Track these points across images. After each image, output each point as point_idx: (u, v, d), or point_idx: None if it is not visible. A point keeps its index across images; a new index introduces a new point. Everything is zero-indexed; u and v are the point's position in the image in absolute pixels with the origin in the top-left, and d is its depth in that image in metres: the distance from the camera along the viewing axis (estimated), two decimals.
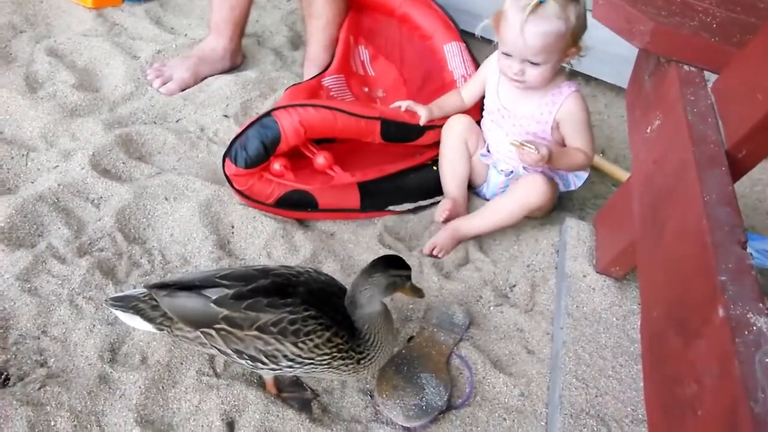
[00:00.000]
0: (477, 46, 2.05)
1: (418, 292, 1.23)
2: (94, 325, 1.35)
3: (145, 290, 1.20)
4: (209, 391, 1.28)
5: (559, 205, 1.88)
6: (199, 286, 1.15)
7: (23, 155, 1.70)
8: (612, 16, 1.39)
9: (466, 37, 2.11)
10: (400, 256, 1.20)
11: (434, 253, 1.67)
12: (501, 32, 1.55)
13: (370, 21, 2.29)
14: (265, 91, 2.05)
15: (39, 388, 1.22)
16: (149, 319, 1.18)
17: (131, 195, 1.62)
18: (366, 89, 2.16)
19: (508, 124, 1.72)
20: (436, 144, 1.84)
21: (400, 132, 1.78)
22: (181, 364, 1.32)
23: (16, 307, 1.35)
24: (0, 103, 1.83)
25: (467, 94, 1.84)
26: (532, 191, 1.67)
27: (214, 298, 1.13)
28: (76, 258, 1.47)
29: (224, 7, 2.08)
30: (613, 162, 2.16)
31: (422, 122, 1.77)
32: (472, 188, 1.88)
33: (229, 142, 1.63)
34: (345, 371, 1.20)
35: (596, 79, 2.44)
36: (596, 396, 1.33)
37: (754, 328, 0.76)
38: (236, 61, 2.20)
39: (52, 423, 1.18)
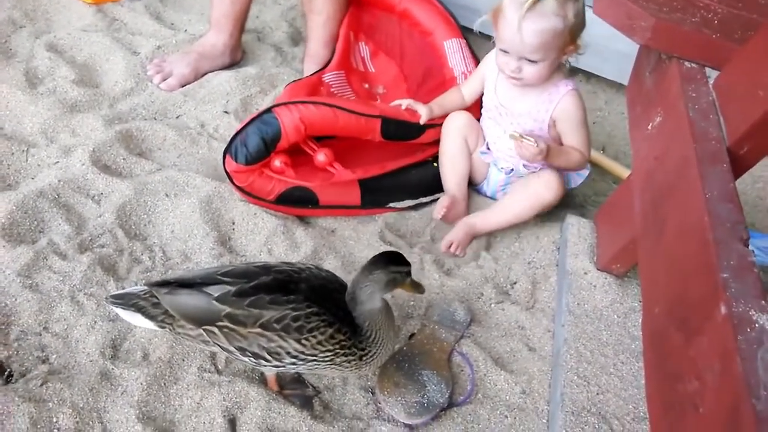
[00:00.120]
0: (477, 42, 2.05)
1: (418, 288, 1.23)
2: (95, 322, 1.35)
3: (145, 287, 1.20)
4: (211, 387, 1.28)
5: (560, 202, 1.88)
6: (201, 284, 1.15)
7: (23, 151, 1.70)
8: (613, 12, 1.38)
9: (466, 33, 2.11)
10: (400, 252, 1.20)
11: (452, 250, 1.67)
12: (498, 29, 1.55)
13: (371, 17, 2.29)
14: (265, 87, 2.04)
15: (41, 385, 1.22)
16: (151, 317, 1.18)
17: (132, 191, 1.61)
18: (366, 85, 2.15)
19: (505, 122, 1.72)
20: (437, 142, 1.84)
21: (400, 130, 1.78)
22: (183, 360, 1.32)
23: (17, 304, 1.35)
24: (0, 99, 1.83)
25: (468, 91, 1.84)
26: (547, 188, 1.68)
27: (216, 295, 1.13)
28: (77, 254, 1.47)
29: (224, 3, 2.08)
30: (614, 159, 2.16)
31: (422, 121, 1.76)
32: (473, 185, 1.88)
33: (229, 139, 1.62)
34: (347, 368, 1.20)
35: (597, 75, 2.44)
36: (597, 393, 1.33)
37: (756, 325, 0.76)
38: (236, 57, 2.19)
39: (54, 419, 1.19)
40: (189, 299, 1.14)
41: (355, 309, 1.17)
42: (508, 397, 1.39)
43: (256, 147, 1.58)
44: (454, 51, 2.06)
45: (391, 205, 1.78)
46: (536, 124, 1.67)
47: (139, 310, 1.19)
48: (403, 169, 1.82)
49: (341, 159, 1.71)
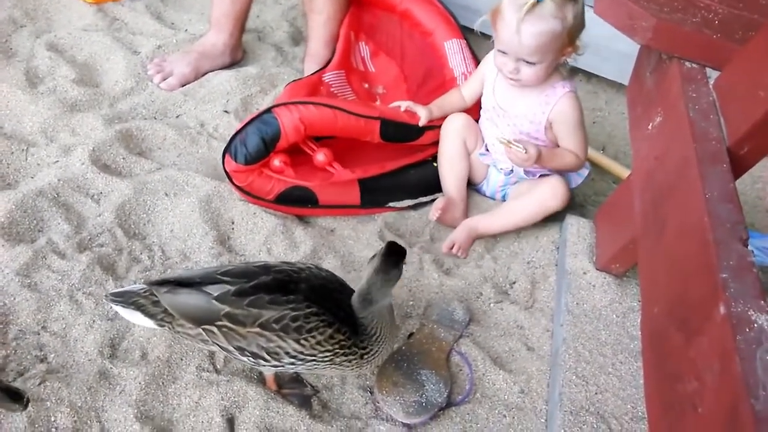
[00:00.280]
0: (478, 42, 2.05)
1: None
2: (94, 321, 1.35)
3: (145, 286, 1.20)
4: (209, 387, 1.28)
5: None
6: (200, 283, 1.15)
7: (23, 150, 1.69)
8: (614, 12, 1.38)
9: (467, 33, 2.10)
10: (394, 241, 1.19)
11: (453, 251, 1.67)
12: (497, 30, 1.55)
13: (371, 17, 2.28)
14: (265, 87, 2.04)
15: (39, 384, 1.22)
16: (150, 315, 1.18)
17: (131, 190, 1.61)
18: (366, 85, 2.15)
19: (503, 123, 1.71)
20: (436, 143, 1.84)
21: (399, 132, 1.78)
22: (181, 359, 1.32)
23: (16, 303, 1.35)
24: (0, 98, 1.83)
25: (468, 92, 1.84)
26: (553, 195, 1.68)
27: (215, 294, 1.13)
28: (76, 253, 1.47)
29: (225, 2, 2.08)
30: (614, 159, 2.16)
31: (422, 123, 1.76)
32: (472, 185, 1.88)
33: (229, 138, 1.62)
34: (348, 367, 1.20)
35: (597, 75, 2.44)
36: (596, 393, 1.33)
37: (755, 325, 0.76)
38: (237, 57, 2.19)
39: (52, 418, 1.18)
40: (188, 298, 1.14)
41: (366, 309, 1.16)
42: (506, 397, 1.39)
43: (256, 147, 1.58)
44: (454, 52, 2.06)
45: (391, 204, 1.77)
46: (533, 126, 1.67)
47: (139, 308, 1.19)
48: (402, 168, 1.81)
49: (341, 159, 1.70)
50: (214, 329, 1.14)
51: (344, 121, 1.66)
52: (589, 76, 2.48)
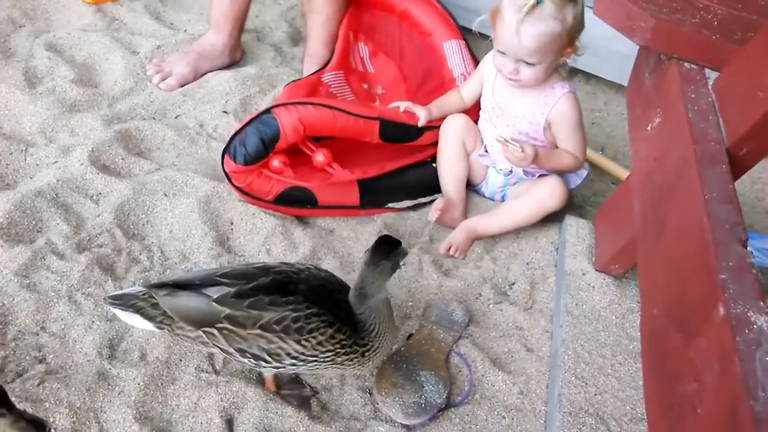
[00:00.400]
0: (476, 43, 2.05)
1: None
2: (93, 322, 1.35)
3: (143, 289, 1.19)
4: (208, 388, 1.28)
5: None
6: (200, 285, 1.15)
7: (22, 150, 1.69)
8: (613, 12, 1.38)
9: (466, 34, 2.10)
10: (389, 234, 1.19)
11: (451, 252, 1.67)
12: (497, 30, 1.55)
13: (370, 17, 2.28)
14: (264, 87, 2.04)
15: (38, 384, 1.22)
16: (149, 318, 1.18)
17: (130, 191, 1.61)
18: (365, 86, 2.15)
19: (501, 124, 1.72)
20: (435, 144, 1.84)
21: (398, 132, 1.78)
22: (180, 360, 1.32)
23: (14, 303, 1.35)
24: None
25: (467, 93, 1.84)
26: (552, 195, 1.68)
27: (215, 297, 1.12)
28: (75, 254, 1.46)
29: (224, 3, 2.07)
30: (613, 159, 2.16)
31: (421, 123, 1.76)
32: (472, 186, 1.88)
33: (228, 139, 1.62)
34: (350, 366, 1.20)
35: (596, 76, 2.44)
36: (595, 394, 1.33)
37: (755, 326, 0.76)
38: (236, 57, 2.19)
39: (51, 419, 1.18)
40: (188, 301, 1.14)
41: (363, 304, 1.16)
42: (505, 398, 1.39)
43: (255, 147, 1.58)
44: (453, 52, 2.06)
45: (390, 205, 1.77)
46: (532, 127, 1.67)
47: (138, 311, 1.18)
48: (401, 169, 1.81)
49: (340, 159, 1.70)
50: (215, 331, 1.13)
51: (343, 121, 1.66)
52: (588, 76, 2.48)
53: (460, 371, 1.42)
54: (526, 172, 1.75)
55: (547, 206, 1.69)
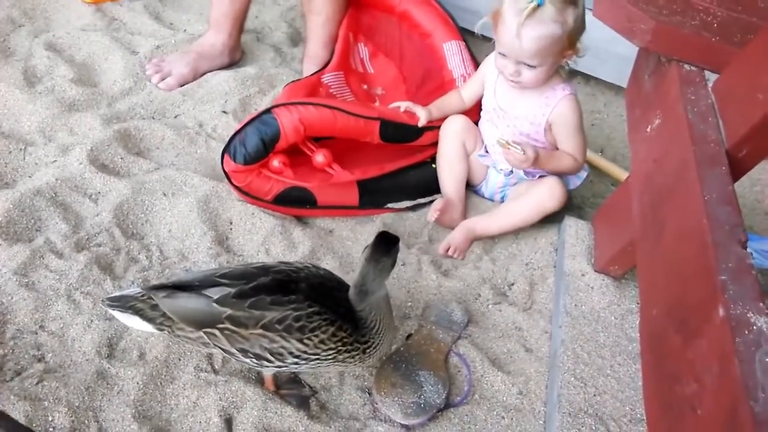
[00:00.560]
0: (477, 44, 2.05)
1: None
2: (91, 321, 1.35)
3: (142, 290, 1.19)
4: (207, 387, 1.28)
5: None
6: (199, 286, 1.14)
7: (21, 149, 1.69)
8: (613, 14, 1.38)
9: (466, 35, 2.11)
10: (387, 231, 1.19)
11: (450, 253, 1.67)
12: (498, 33, 1.55)
13: (370, 18, 2.28)
14: (264, 88, 2.04)
15: (36, 383, 1.22)
16: (149, 319, 1.17)
17: (129, 190, 1.61)
18: (365, 86, 2.15)
19: (503, 124, 1.72)
20: (435, 144, 1.84)
21: (398, 132, 1.78)
22: (179, 360, 1.32)
23: (13, 302, 1.35)
24: None
25: (467, 93, 1.84)
26: (551, 196, 1.68)
27: (215, 297, 1.12)
28: (74, 253, 1.46)
29: (223, 3, 2.07)
30: (612, 161, 2.16)
31: (421, 123, 1.76)
32: (471, 186, 1.88)
33: (227, 138, 1.62)
34: (351, 363, 1.20)
35: (595, 78, 2.44)
36: (594, 395, 1.33)
37: (755, 327, 0.76)
38: (235, 57, 2.19)
39: (50, 418, 1.18)
40: (188, 302, 1.13)
41: (363, 301, 1.16)
42: (504, 398, 1.39)
43: (255, 147, 1.58)
44: (453, 53, 2.06)
45: (389, 205, 1.77)
46: (533, 128, 1.67)
47: (137, 312, 1.17)
48: (401, 170, 1.82)
49: (340, 160, 1.70)
50: (216, 332, 1.13)
51: (344, 121, 1.66)
52: (587, 78, 2.48)
53: (459, 371, 1.42)
54: (526, 173, 1.76)
55: (546, 207, 1.69)
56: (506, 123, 1.70)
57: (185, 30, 2.28)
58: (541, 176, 1.76)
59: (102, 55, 2.07)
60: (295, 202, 1.67)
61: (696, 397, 0.78)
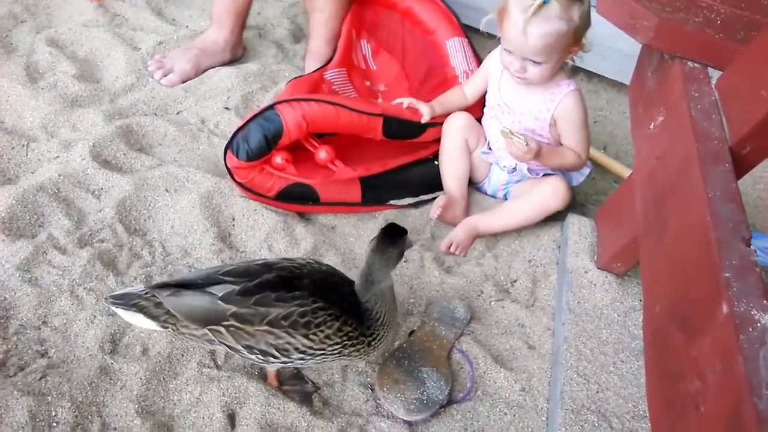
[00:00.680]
0: (480, 41, 2.04)
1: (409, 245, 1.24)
2: (94, 316, 1.35)
3: (145, 288, 1.19)
4: (210, 383, 1.28)
5: None
6: (203, 284, 1.15)
7: (24, 145, 1.69)
8: (616, 11, 1.38)
9: (468, 32, 2.10)
10: (394, 222, 1.20)
11: (452, 250, 1.67)
12: (503, 29, 1.55)
13: (373, 15, 2.28)
14: (266, 84, 2.04)
15: (40, 378, 1.22)
16: (153, 317, 1.17)
17: (132, 186, 1.61)
18: (368, 83, 2.15)
19: (507, 120, 1.72)
20: (438, 141, 1.84)
21: (401, 129, 1.78)
22: (182, 355, 1.32)
23: (16, 298, 1.35)
24: (0, 93, 1.82)
25: (470, 90, 1.84)
26: (555, 195, 1.68)
27: (220, 295, 1.12)
28: (77, 249, 1.46)
29: None
30: (615, 158, 2.16)
31: (424, 120, 1.76)
32: (474, 184, 1.88)
33: (230, 135, 1.62)
34: (357, 356, 1.21)
35: (598, 75, 2.44)
36: (597, 392, 1.33)
37: (758, 324, 0.76)
38: (237, 54, 2.19)
39: (53, 413, 1.18)
40: (192, 300, 1.14)
41: (369, 291, 1.17)
42: (507, 395, 1.39)
43: (258, 143, 1.58)
44: (456, 50, 2.06)
45: (392, 202, 1.77)
46: (538, 123, 1.67)
47: (141, 310, 1.17)
48: (404, 166, 1.81)
49: (342, 156, 1.70)
50: (221, 329, 1.13)
51: (347, 118, 1.66)
52: (590, 75, 2.48)
53: (461, 368, 1.42)
54: (530, 170, 1.75)
55: (549, 206, 1.69)
56: (511, 119, 1.70)
57: (187, 26, 2.28)
58: (545, 174, 1.76)
59: (104, 51, 2.07)
60: (297, 199, 1.67)
61: (699, 395, 0.78)
